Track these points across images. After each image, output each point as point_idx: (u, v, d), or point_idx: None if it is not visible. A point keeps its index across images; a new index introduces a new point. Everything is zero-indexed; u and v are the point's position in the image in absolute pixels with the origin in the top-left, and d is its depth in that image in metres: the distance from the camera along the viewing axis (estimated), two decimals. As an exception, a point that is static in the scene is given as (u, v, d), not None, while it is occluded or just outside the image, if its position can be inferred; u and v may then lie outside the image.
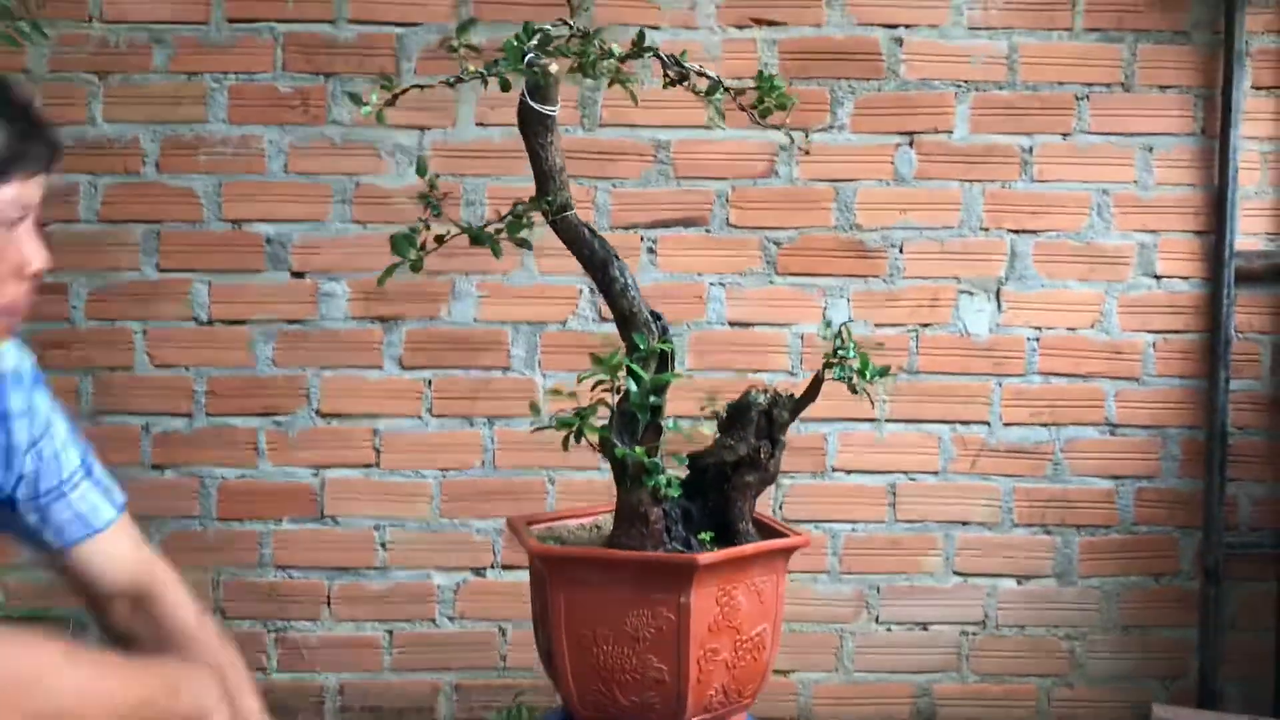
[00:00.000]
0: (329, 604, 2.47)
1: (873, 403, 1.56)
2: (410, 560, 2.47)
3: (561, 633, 1.51)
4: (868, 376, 1.55)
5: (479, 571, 2.48)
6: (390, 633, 2.48)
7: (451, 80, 1.48)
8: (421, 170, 1.55)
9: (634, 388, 1.48)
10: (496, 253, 1.53)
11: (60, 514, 1.27)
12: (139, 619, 1.33)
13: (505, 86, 1.46)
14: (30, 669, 0.98)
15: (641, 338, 1.52)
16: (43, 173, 1.12)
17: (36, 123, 1.11)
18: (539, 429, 1.55)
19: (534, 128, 1.50)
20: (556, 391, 1.56)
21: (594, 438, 1.50)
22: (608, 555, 1.52)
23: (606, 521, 1.68)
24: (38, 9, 1.82)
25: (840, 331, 1.56)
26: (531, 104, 1.47)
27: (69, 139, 2.41)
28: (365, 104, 1.43)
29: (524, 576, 2.38)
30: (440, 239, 1.55)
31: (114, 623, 1.34)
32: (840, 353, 1.55)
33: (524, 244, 1.55)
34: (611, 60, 1.47)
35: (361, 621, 2.48)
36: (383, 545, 2.47)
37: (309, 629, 2.48)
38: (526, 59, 1.43)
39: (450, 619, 2.48)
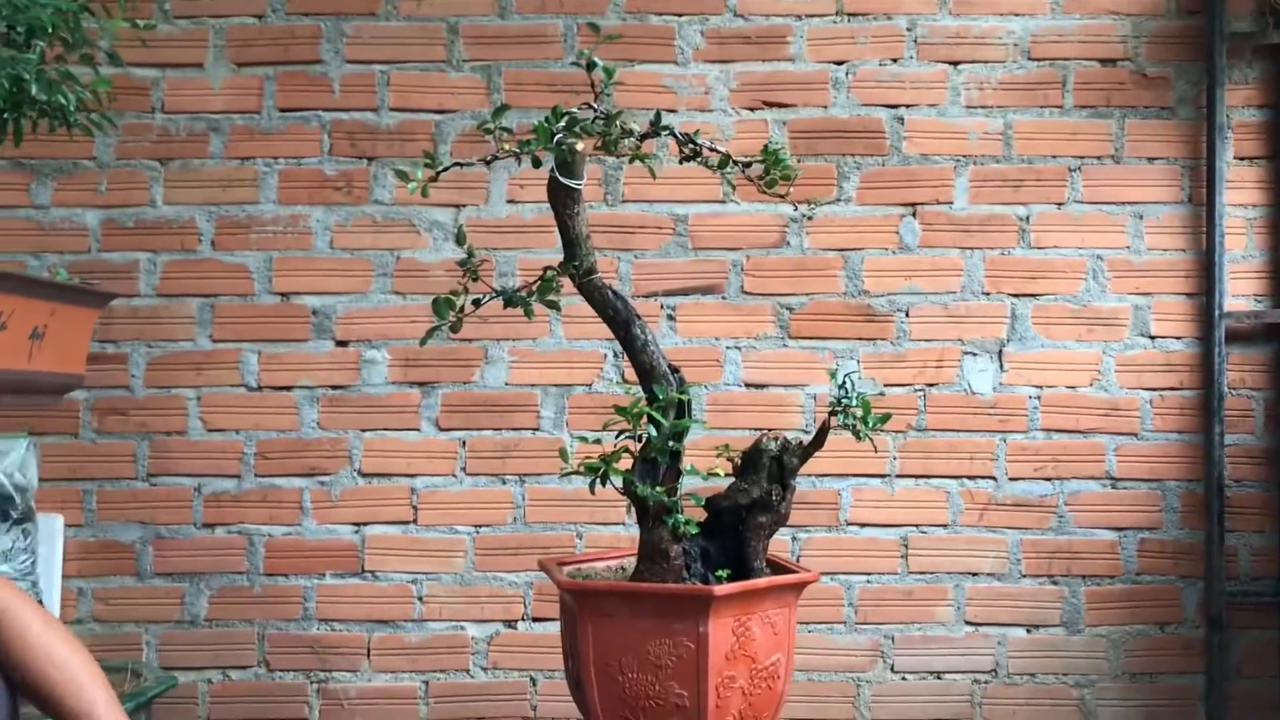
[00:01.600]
0: (368, 656, 2.60)
1: (875, 447, 1.69)
2: (445, 613, 2.60)
3: (589, 662, 1.63)
4: (870, 423, 1.69)
5: (510, 624, 2.60)
6: (426, 683, 2.60)
7: (488, 158, 1.65)
8: (461, 239, 1.71)
9: (654, 433, 1.62)
10: (529, 313, 1.69)
11: None
12: None
13: (536, 163, 1.63)
14: None
15: (661, 389, 1.66)
16: None
17: None
18: (568, 474, 1.69)
19: (562, 200, 1.66)
20: (583, 439, 1.70)
21: (618, 480, 1.64)
22: (631, 588, 1.65)
23: (631, 564, 1.81)
24: (109, 101, 2.00)
25: (844, 381, 1.70)
26: (560, 178, 1.63)
27: (131, 220, 2.61)
28: (411, 180, 1.60)
29: (553, 628, 2.51)
30: (477, 302, 1.71)
31: None
32: (844, 401, 1.69)
33: (553, 305, 1.70)
34: (632, 138, 1.64)
35: (399, 673, 2.60)
36: (419, 599, 2.60)
37: (349, 680, 2.60)
38: (556, 138, 1.60)
39: (484, 670, 2.60)
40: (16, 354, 1.78)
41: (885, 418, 1.70)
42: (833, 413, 1.70)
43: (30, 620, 1.45)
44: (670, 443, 1.64)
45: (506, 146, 1.64)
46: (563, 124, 1.63)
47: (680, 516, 1.64)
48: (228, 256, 2.62)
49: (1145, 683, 2.60)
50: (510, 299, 1.70)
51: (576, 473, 1.64)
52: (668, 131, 1.69)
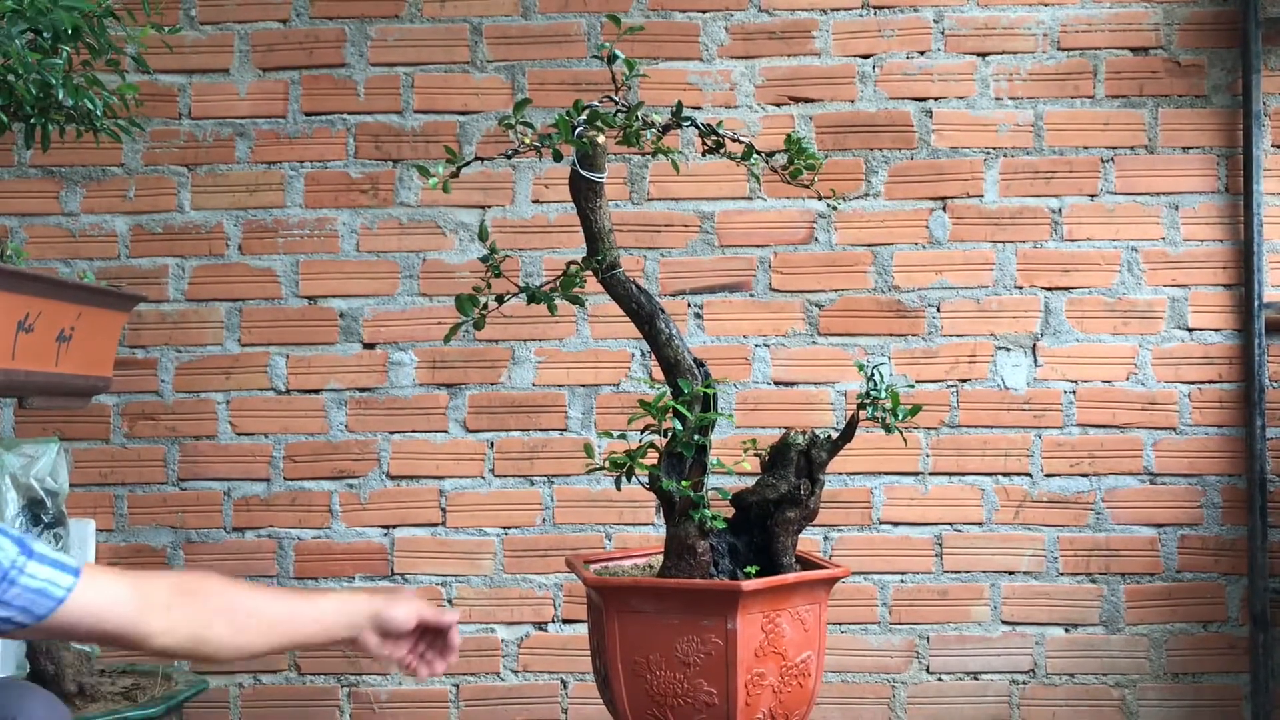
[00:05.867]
0: (399, 659, 2.58)
1: (905, 440, 1.66)
2: (475, 615, 2.59)
3: (617, 660, 1.61)
4: (899, 415, 1.66)
5: (541, 626, 2.59)
6: (457, 686, 2.59)
7: (509, 153, 1.64)
8: (483, 235, 1.70)
9: (680, 427, 1.60)
10: (552, 309, 1.68)
11: (18, 598, 1.37)
12: (177, 617, 1.44)
13: (558, 157, 1.62)
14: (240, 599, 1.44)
15: (685, 383, 1.64)
16: None
17: None
18: (593, 470, 1.67)
19: (584, 193, 1.65)
20: (608, 434, 1.68)
21: (644, 476, 1.62)
22: (658, 583, 1.63)
23: (659, 561, 1.79)
24: (135, 107, 2.01)
25: (872, 374, 1.67)
26: (582, 172, 1.62)
27: (159, 226, 2.62)
28: (432, 176, 1.59)
29: (583, 630, 2.49)
30: (500, 298, 1.70)
31: (163, 643, 1.44)
32: (873, 394, 1.67)
33: (576, 301, 1.69)
34: (653, 130, 1.63)
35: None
36: (449, 601, 2.59)
37: (380, 684, 2.59)
38: (576, 131, 1.59)
39: (514, 672, 2.58)
40: (44, 356, 1.79)
41: (915, 410, 1.68)
42: (861, 405, 1.68)
43: (234, 596, 1.48)
44: (696, 437, 1.62)
45: (527, 141, 1.63)
46: (583, 117, 1.62)
47: (706, 511, 1.62)
48: (255, 260, 2.62)
49: (1188, 683, 2.55)
50: (534, 295, 1.68)
51: (601, 469, 1.63)
52: (689, 123, 1.67)
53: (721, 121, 1.74)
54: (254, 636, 1.48)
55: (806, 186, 1.66)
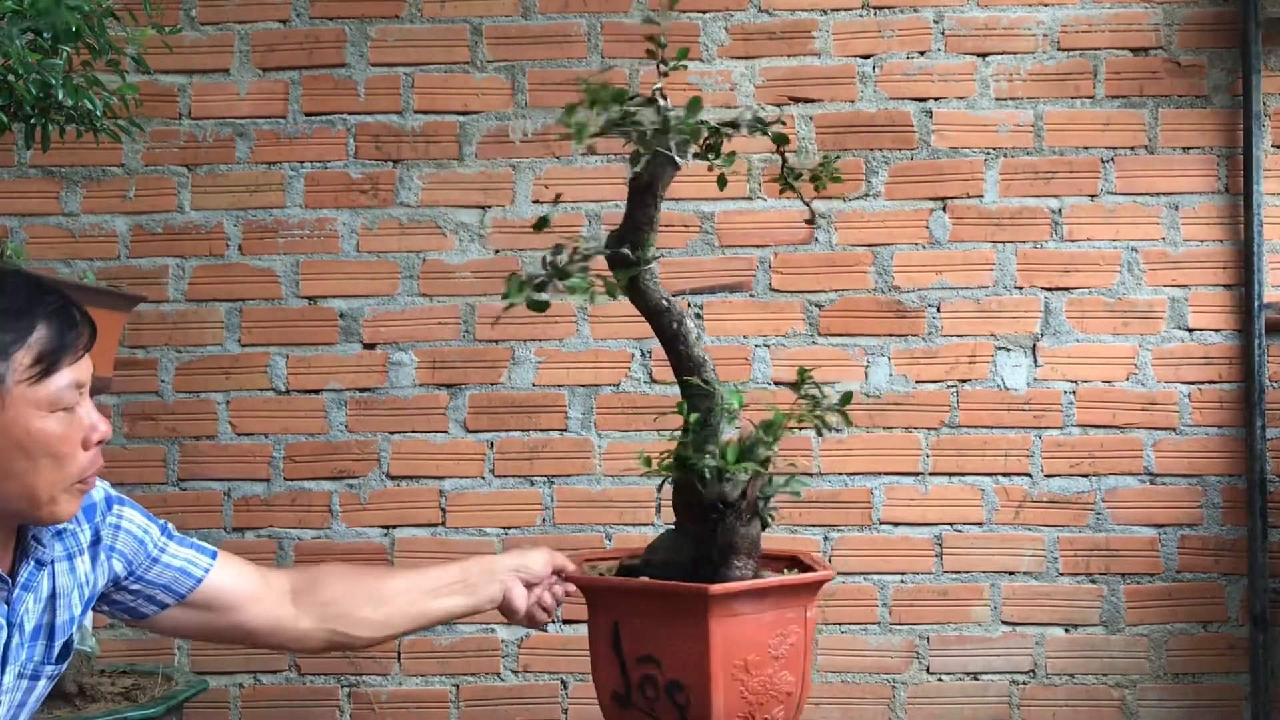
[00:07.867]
0: (399, 659, 2.59)
1: (819, 432, 1.64)
2: (475, 616, 2.58)
3: (716, 668, 1.54)
4: (836, 405, 1.64)
5: (541, 626, 2.58)
6: (457, 687, 2.59)
7: (623, 134, 1.59)
8: (542, 225, 1.67)
9: (761, 433, 1.58)
10: (592, 296, 1.62)
11: (160, 575, 1.45)
12: (304, 601, 1.53)
13: (647, 147, 1.59)
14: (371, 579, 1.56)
15: (724, 385, 1.63)
16: (85, 352, 1.26)
17: (69, 313, 1.24)
18: (646, 474, 1.63)
19: (664, 182, 1.62)
20: (653, 434, 1.67)
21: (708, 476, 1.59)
22: (762, 585, 1.56)
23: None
24: (135, 107, 2.01)
25: (803, 376, 1.65)
26: (676, 158, 1.60)
27: (159, 226, 2.62)
28: (581, 136, 1.53)
29: (584, 630, 2.48)
30: (541, 286, 1.64)
31: (299, 628, 1.53)
32: (807, 396, 1.65)
33: (610, 290, 1.64)
34: (736, 130, 1.61)
35: (430, 676, 2.59)
36: (449, 602, 2.58)
37: (380, 684, 2.59)
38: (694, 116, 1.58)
39: (514, 673, 2.58)
40: (43, 357, 1.79)
41: (848, 398, 1.65)
42: (796, 417, 1.65)
43: (365, 578, 1.58)
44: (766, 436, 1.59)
45: (613, 122, 1.58)
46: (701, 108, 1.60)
47: (771, 509, 1.62)
48: (255, 261, 2.62)
49: (1188, 683, 2.55)
50: (561, 272, 1.62)
51: (642, 474, 1.59)
52: (761, 127, 1.65)
53: (770, 126, 1.71)
54: (394, 614, 1.56)
55: (819, 194, 1.65)
